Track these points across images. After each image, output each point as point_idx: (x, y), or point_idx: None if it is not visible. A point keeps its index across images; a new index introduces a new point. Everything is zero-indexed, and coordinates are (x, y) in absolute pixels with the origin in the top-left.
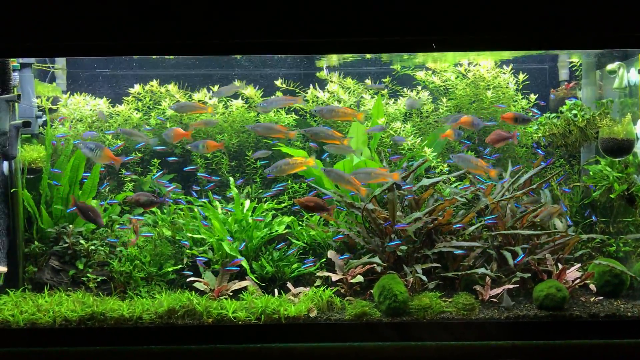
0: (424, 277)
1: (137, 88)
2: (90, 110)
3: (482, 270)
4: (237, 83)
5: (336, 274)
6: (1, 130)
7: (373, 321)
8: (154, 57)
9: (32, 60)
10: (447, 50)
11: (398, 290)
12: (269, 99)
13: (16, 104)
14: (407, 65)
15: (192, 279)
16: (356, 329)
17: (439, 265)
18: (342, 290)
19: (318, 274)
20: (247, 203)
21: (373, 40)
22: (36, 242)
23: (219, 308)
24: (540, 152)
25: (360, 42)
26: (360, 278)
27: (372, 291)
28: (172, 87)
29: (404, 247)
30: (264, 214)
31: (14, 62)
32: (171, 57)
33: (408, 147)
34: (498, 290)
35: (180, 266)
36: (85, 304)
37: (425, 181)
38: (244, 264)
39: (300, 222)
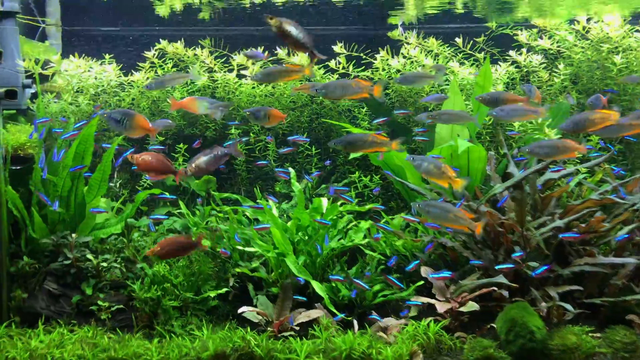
0: (567, 307)
1: (162, 46)
2: (95, 78)
3: None
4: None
5: (438, 300)
6: None
7: None
8: (178, 9)
9: (16, 6)
10: None
11: (534, 326)
12: (268, 68)
13: None
14: (505, 22)
15: (244, 309)
16: None
17: (580, 288)
18: (445, 321)
19: (413, 300)
20: (325, 202)
21: None
22: (25, 258)
23: (285, 351)
24: None
25: None
26: (474, 306)
27: (493, 324)
28: (200, 51)
29: (534, 264)
30: (331, 217)
31: None
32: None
33: (520, 125)
34: None
35: (225, 289)
36: (97, 346)
37: (552, 174)
38: (320, 290)
39: (380, 229)
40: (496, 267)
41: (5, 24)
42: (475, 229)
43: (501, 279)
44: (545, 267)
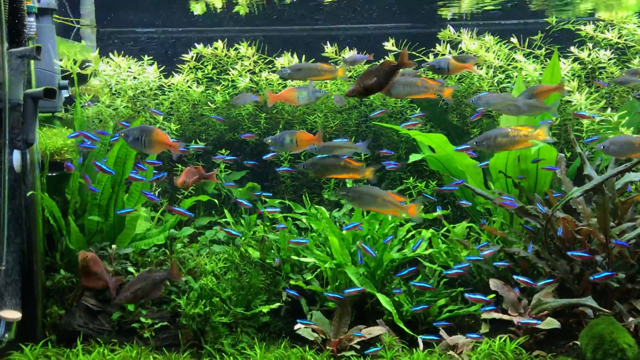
0: None
1: (198, 50)
2: (134, 78)
3: None
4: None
5: (508, 314)
6: (12, 101)
7: None
8: (219, 9)
9: (53, 2)
10: None
11: (625, 343)
12: (298, 64)
13: (32, 63)
14: (567, 17)
15: (300, 325)
16: None
17: None
18: (520, 338)
19: (483, 316)
20: None
21: None
22: (62, 271)
23: None
24: None
25: None
26: (554, 322)
27: (576, 342)
28: (245, 49)
29: (619, 275)
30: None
31: (29, 2)
32: (241, 11)
33: (588, 125)
34: None
35: (278, 304)
36: None
37: (633, 175)
38: (387, 305)
39: (442, 238)
40: (592, 278)
41: (42, 21)
42: (407, 211)
43: (590, 301)
44: (610, 273)
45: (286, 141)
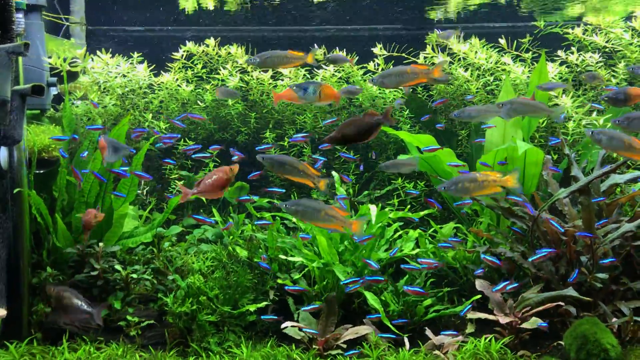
0: None
1: (188, 48)
2: (124, 76)
3: None
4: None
5: (494, 314)
6: (0, 97)
7: None
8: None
9: (42, 0)
10: None
11: (608, 343)
12: (267, 52)
13: (20, 60)
14: (555, 20)
15: (288, 323)
16: None
17: None
18: (505, 338)
19: (469, 316)
20: (374, 209)
21: None
22: (49, 269)
23: None
24: None
25: None
26: (538, 322)
27: (560, 342)
28: (236, 50)
29: (602, 276)
30: (379, 225)
31: None
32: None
33: (574, 127)
34: None
35: (265, 303)
36: None
37: (617, 177)
38: (375, 303)
39: (429, 238)
40: (569, 280)
41: (31, 18)
42: (351, 227)
43: (571, 291)
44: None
45: (310, 90)
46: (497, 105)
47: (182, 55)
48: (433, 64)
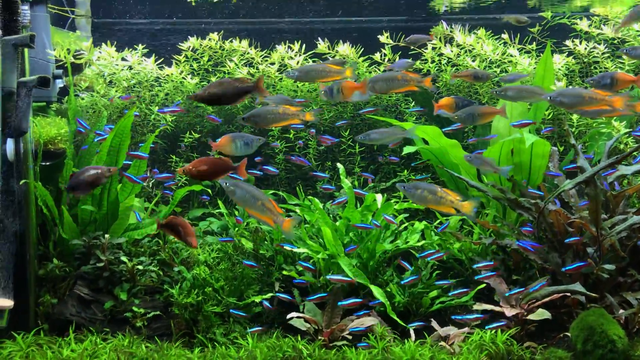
0: None
1: (191, 41)
2: (130, 68)
3: None
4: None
5: (500, 306)
6: (6, 88)
7: None
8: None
9: None
10: None
11: (615, 335)
12: (307, 65)
13: (26, 52)
14: (562, 11)
15: (293, 314)
16: None
17: None
18: (511, 330)
19: (475, 307)
20: (379, 198)
21: None
22: (55, 260)
23: None
24: None
25: None
26: (545, 314)
27: (566, 333)
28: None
29: (609, 267)
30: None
31: None
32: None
33: (579, 119)
34: None
35: (271, 295)
36: (134, 355)
37: (624, 169)
38: (380, 296)
39: (435, 230)
40: (563, 269)
41: (37, 10)
42: (282, 224)
43: (578, 286)
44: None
45: (334, 92)
46: (493, 92)
47: (189, 46)
48: (441, 54)
